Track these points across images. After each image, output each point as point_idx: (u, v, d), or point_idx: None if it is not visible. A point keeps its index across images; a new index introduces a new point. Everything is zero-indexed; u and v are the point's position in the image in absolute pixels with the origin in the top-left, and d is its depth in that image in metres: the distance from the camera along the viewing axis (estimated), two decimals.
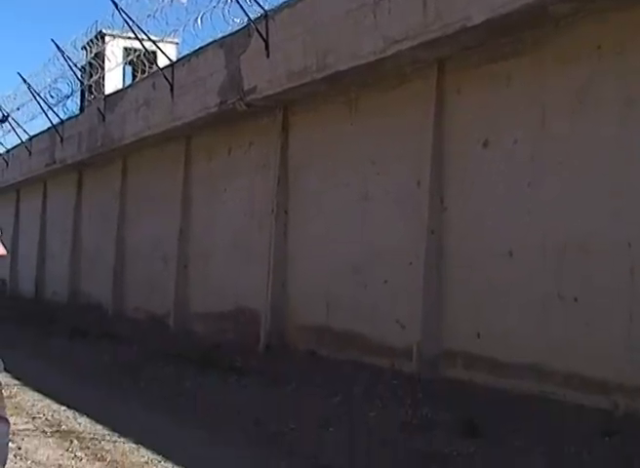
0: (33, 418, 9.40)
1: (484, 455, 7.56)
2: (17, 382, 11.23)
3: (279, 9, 13.96)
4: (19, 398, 10.50)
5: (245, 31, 14.85)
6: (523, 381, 9.77)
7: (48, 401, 10.39)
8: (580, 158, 9.47)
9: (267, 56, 14.05)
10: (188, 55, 17.78)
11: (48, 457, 7.60)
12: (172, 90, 17.66)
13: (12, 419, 7.24)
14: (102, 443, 8.19)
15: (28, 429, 8.78)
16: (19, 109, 28.26)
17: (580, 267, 9.34)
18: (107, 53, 22.74)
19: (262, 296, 14.68)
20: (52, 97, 25.58)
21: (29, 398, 10.59)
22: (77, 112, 25.21)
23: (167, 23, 17.59)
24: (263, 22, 14.15)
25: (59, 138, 25.33)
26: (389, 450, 7.86)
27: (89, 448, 8.01)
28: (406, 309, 11.59)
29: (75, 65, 23.72)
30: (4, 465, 2.71)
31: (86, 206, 25.33)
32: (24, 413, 9.62)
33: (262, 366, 12.84)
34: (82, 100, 25.05)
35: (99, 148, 22.27)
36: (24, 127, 29.12)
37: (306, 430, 8.74)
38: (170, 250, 18.75)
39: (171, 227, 18.68)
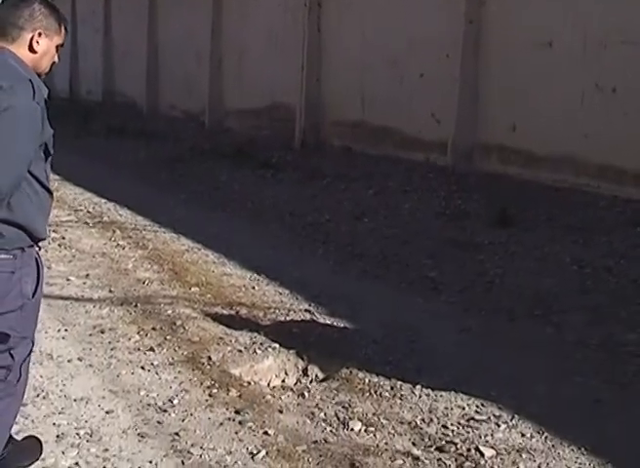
0: (75, 211, 9.62)
1: (516, 243, 7.71)
2: (57, 177, 11.36)
3: None
4: (60, 192, 10.66)
5: None
6: (558, 174, 9.79)
7: (89, 194, 10.61)
8: None
9: None
10: None
11: (92, 246, 7.84)
12: None
13: (54, 212, 7.46)
14: (144, 233, 8.43)
15: (71, 221, 9.01)
16: None
17: (619, 58, 9.12)
18: None
19: (297, 92, 14.54)
20: None
21: (70, 192, 10.79)
22: None
23: None
24: None
25: None
26: (423, 239, 8.03)
27: (131, 237, 8.25)
28: (441, 103, 11.45)
29: None
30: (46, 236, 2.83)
31: (115, 2, 24.78)
32: (66, 206, 9.83)
33: (298, 161, 12.93)
34: None
35: None
36: None
37: (342, 221, 8.93)
38: (203, 46, 18.43)
39: (203, 22, 18.25)
